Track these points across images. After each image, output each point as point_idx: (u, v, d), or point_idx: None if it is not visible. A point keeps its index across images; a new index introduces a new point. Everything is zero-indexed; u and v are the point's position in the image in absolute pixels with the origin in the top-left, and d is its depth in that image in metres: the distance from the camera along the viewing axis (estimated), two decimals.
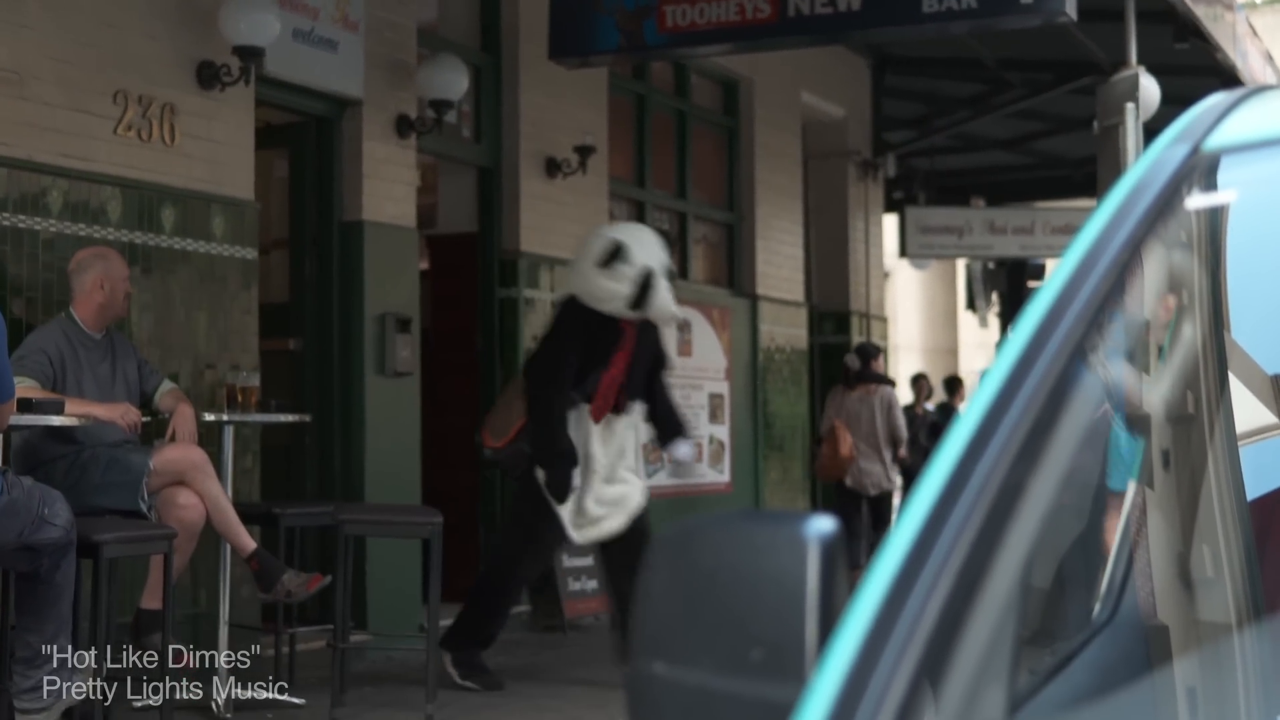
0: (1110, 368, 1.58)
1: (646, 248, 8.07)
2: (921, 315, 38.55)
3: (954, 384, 20.41)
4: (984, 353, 32.55)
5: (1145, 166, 1.56)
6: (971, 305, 23.15)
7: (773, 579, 1.40)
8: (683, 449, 8.86)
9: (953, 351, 38.21)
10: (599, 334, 8.21)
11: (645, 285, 7.97)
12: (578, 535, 8.29)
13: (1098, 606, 1.97)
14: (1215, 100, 1.79)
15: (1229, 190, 1.73)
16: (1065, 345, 1.38)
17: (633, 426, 8.57)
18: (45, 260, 7.69)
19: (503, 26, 11.36)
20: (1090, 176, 12.69)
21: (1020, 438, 1.37)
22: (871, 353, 13.34)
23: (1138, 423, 2.06)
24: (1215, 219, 1.76)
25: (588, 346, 8.18)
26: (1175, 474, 2.18)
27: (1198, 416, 2.18)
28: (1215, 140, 1.64)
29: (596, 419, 8.37)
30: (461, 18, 11.39)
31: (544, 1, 10.55)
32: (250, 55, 8.45)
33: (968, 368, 33.82)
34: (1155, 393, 2.11)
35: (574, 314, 8.23)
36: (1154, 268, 1.64)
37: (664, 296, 8.03)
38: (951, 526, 1.30)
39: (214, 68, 8.53)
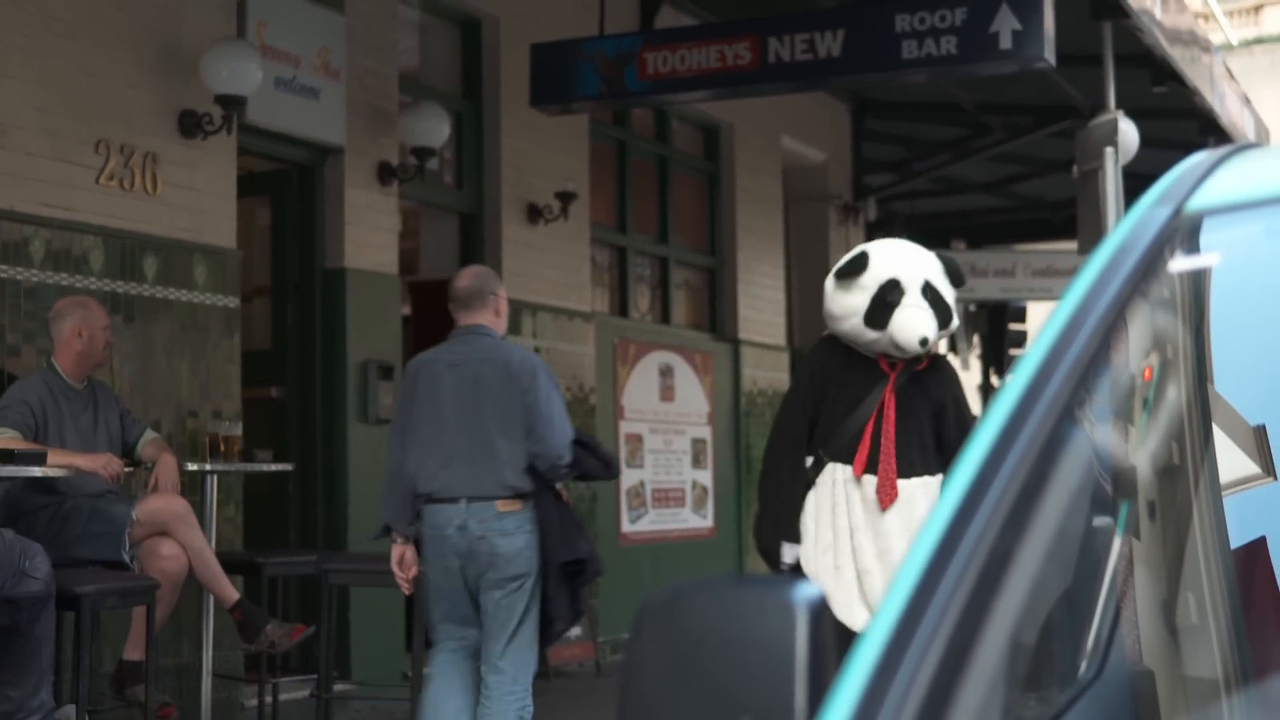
0: (1097, 429, 1.59)
1: (893, 257, 6.29)
2: None
3: None
4: (966, 394, 32.50)
5: (1128, 229, 1.57)
6: (953, 348, 23.16)
7: (761, 644, 1.40)
8: None
9: None
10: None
11: (884, 298, 6.11)
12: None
13: (1084, 663, 1.97)
14: (1196, 161, 1.80)
15: (1211, 253, 1.74)
16: (1051, 411, 1.39)
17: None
18: (27, 310, 7.68)
19: (484, 73, 11.38)
20: (1070, 219, 12.74)
21: (1010, 501, 1.37)
22: None
23: (1123, 477, 2.07)
24: (1198, 280, 1.77)
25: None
26: (1161, 524, 2.19)
27: (1183, 467, 2.19)
28: (1197, 202, 1.65)
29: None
30: (443, 65, 11.42)
31: (525, 48, 10.57)
32: (232, 104, 8.46)
33: None
34: (1140, 446, 2.11)
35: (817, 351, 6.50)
36: (1138, 330, 1.64)
37: (908, 314, 6.12)
38: (943, 592, 1.30)
39: (196, 116, 8.54)
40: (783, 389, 15.28)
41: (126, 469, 7.03)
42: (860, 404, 6.31)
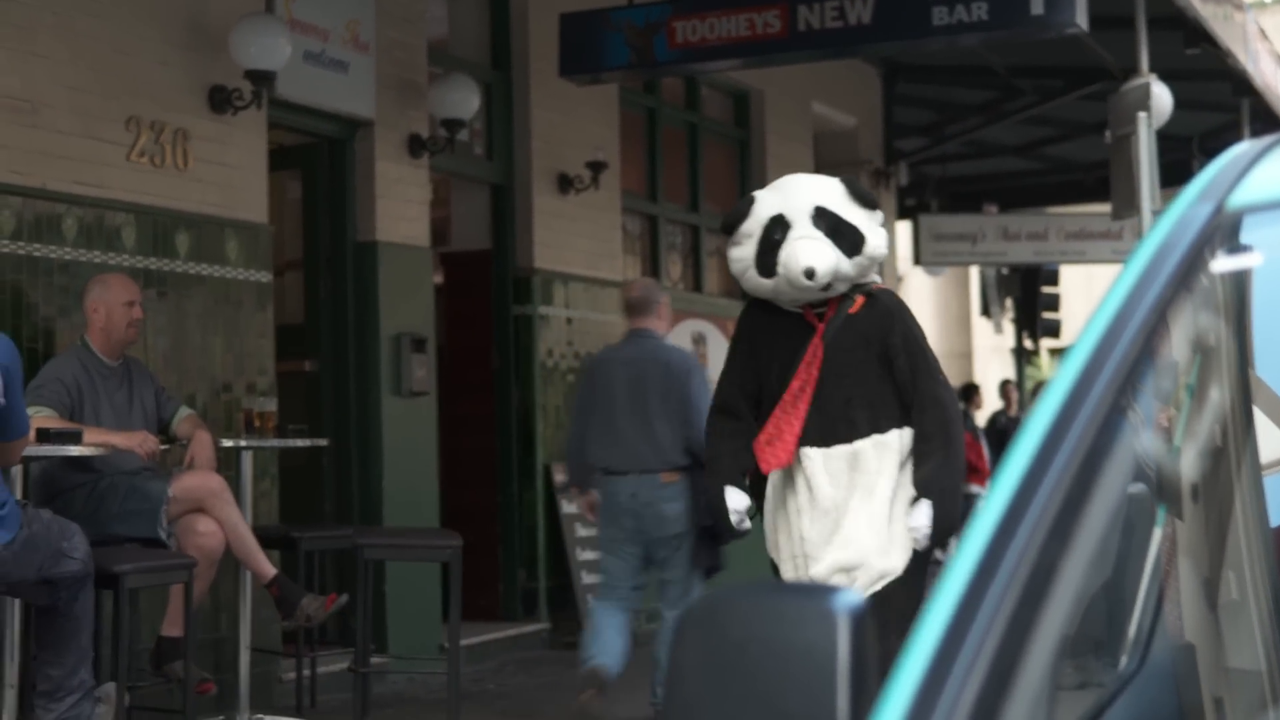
0: (1142, 421, 1.58)
1: (777, 193, 5.75)
2: (935, 320, 38.52)
3: (969, 391, 20.37)
4: (999, 358, 32.51)
5: (1169, 227, 1.56)
6: (986, 311, 23.12)
7: (803, 652, 1.39)
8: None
9: (967, 356, 38.17)
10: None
11: (770, 239, 5.64)
12: None
13: (1126, 656, 1.96)
14: (1237, 154, 1.78)
15: (1253, 250, 1.73)
16: (1097, 410, 1.38)
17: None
18: (60, 287, 7.70)
19: (513, 44, 11.37)
20: (1102, 181, 12.67)
21: (1059, 500, 1.36)
22: None
23: (1168, 464, 2.06)
24: (1240, 278, 1.75)
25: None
26: (1204, 505, 2.19)
27: (1225, 450, 2.19)
28: (1238, 198, 1.63)
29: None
30: (472, 35, 11.40)
31: (554, 18, 10.54)
32: (262, 79, 8.46)
33: (982, 373, 33.75)
34: (1184, 432, 2.11)
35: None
36: (1180, 328, 1.63)
37: (791, 249, 5.57)
38: (994, 591, 1.30)
39: (226, 92, 8.54)
40: None
41: (162, 446, 7.05)
42: (788, 366, 5.70)
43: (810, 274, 5.51)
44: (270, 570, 7.19)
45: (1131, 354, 1.42)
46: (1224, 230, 1.62)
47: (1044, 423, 1.41)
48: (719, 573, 8.24)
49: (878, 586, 5.63)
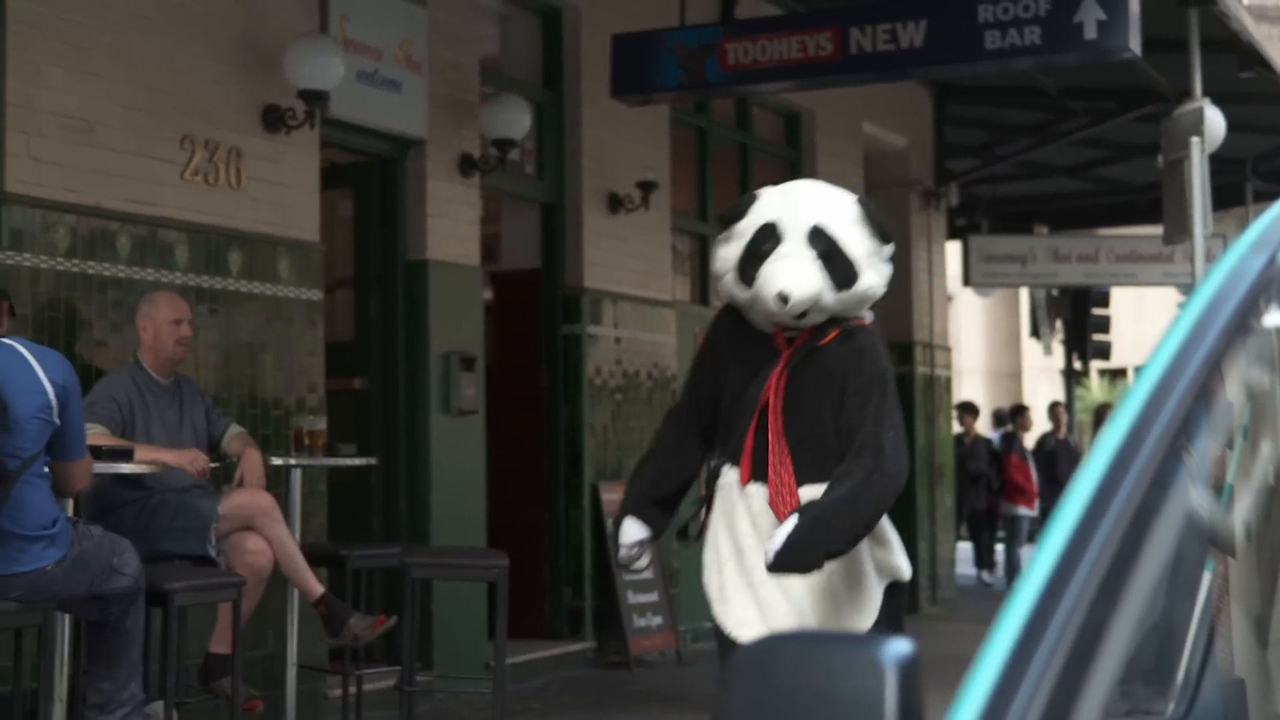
0: (1195, 478, 1.58)
1: (781, 198, 5.25)
2: (984, 339, 38.44)
3: (1017, 412, 20.30)
4: (1048, 379, 32.37)
5: (1222, 277, 1.56)
6: (1036, 333, 23.05)
7: (850, 702, 1.40)
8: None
9: (1016, 376, 38.06)
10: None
11: (757, 247, 5.15)
12: None
13: (1173, 701, 1.96)
14: None
15: None
16: (1151, 460, 1.38)
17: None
18: (114, 304, 7.76)
19: (564, 64, 11.40)
20: (1154, 203, 12.63)
21: (1109, 557, 1.36)
22: None
23: (1221, 507, 2.06)
24: None
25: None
26: (1256, 544, 2.19)
27: (1276, 492, 2.19)
28: None
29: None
30: (524, 55, 11.44)
31: (606, 39, 10.58)
32: (315, 98, 8.50)
33: (1031, 394, 33.64)
34: (1236, 475, 2.11)
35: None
36: (1233, 379, 1.63)
37: (773, 267, 5.07)
38: (1046, 642, 1.30)
39: (279, 111, 8.60)
40: None
41: (212, 464, 7.09)
42: (747, 391, 5.17)
43: (784, 299, 4.94)
44: (318, 588, 7.22)
45: (1186, 401, 1.42)
46: (1277, 283, 1.62)
47: (1099, 469, 1.41)
48: None
49: None
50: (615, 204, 11.56)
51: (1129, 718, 1.86)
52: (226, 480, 7.35)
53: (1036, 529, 17.11)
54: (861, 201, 5.20)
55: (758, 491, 5.13)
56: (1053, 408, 19.38)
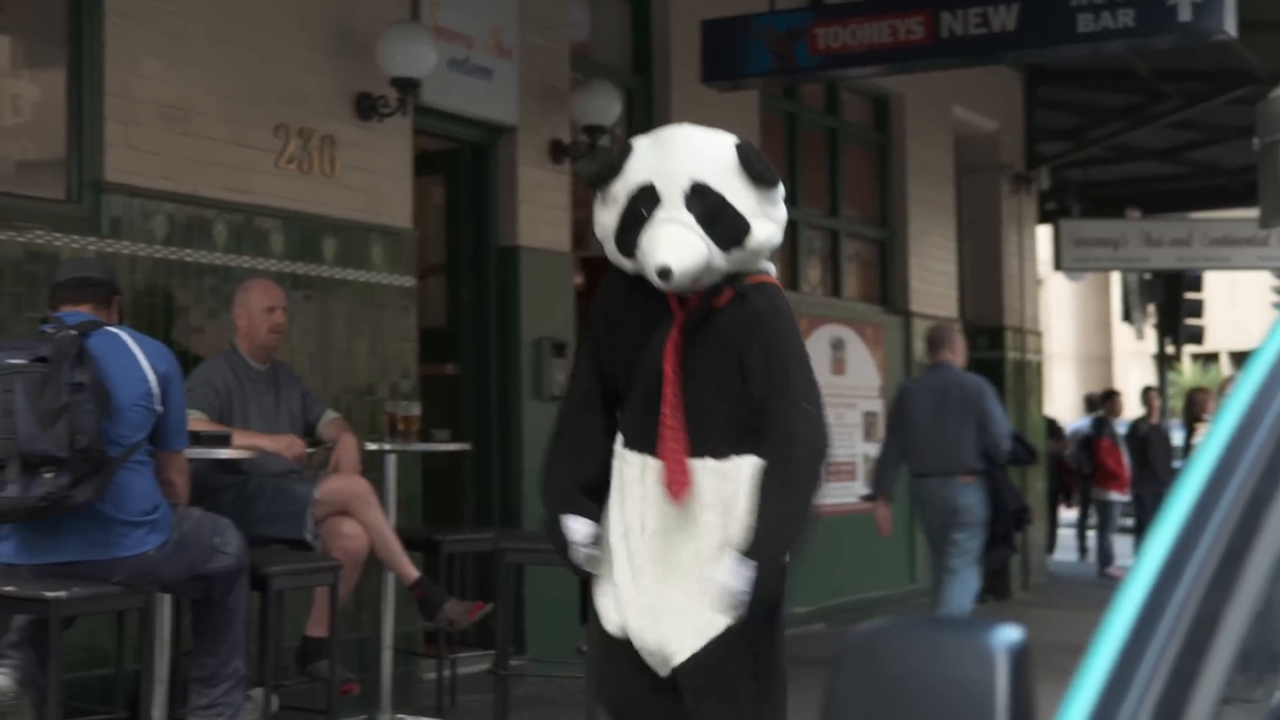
0: None
1: (654, 153, 4.67)
2: (1075, 323, 38.17)
3: (1108, 397, 20.16)
4: (1139, 363, 32.11)
5: None
6: (1128, 317, 22.87)
7: (961, 689, 1.41)
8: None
9: (1107, 361, 37.78)
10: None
11: (635, 211, 4.63)
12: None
13: (1276, 693, 1.96)
14: None
15: None
16: (1260, 460, 1.38)
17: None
18: (210, 291, 7.84)
19: (654, 50, 11.41)
20: (1249, 186, 12.55)
21: (1220, 550, 1.37)
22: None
23: None
24: None
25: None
26: None
27: None
28: None
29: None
30: (614, 42, 11.46)
31: (695, 25, 10.58)
32: (407, 86, 8.56)
33: (1123, 378, 33.39)
34: None
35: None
36: None
37: (652, 236, 4.55)
38: (1153, 649, 1.30)
39: (372, 99, 8.65)
40: None
41: (308, 449, 7.16)
42: (641, 357, 4.70)
43: (665, 274, 4.45)
44: (413, 573, 7.28)
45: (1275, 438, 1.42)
46: None
47: (1212, 457, 1.41)
48: (1015, 552, 10.76)
49: (695, 646, 4.58)
50: None
51: (1227, 705, 1.86)
52: (322, 465, 7.42)
53: (1146, 514, 16.97)
54: (739, 147, 4.60)
55: (652, 467, 4.65)
56: (1145, 392, 19.23)
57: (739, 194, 4.53)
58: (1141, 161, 19.06)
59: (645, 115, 11.34)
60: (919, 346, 14.30)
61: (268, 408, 7.22)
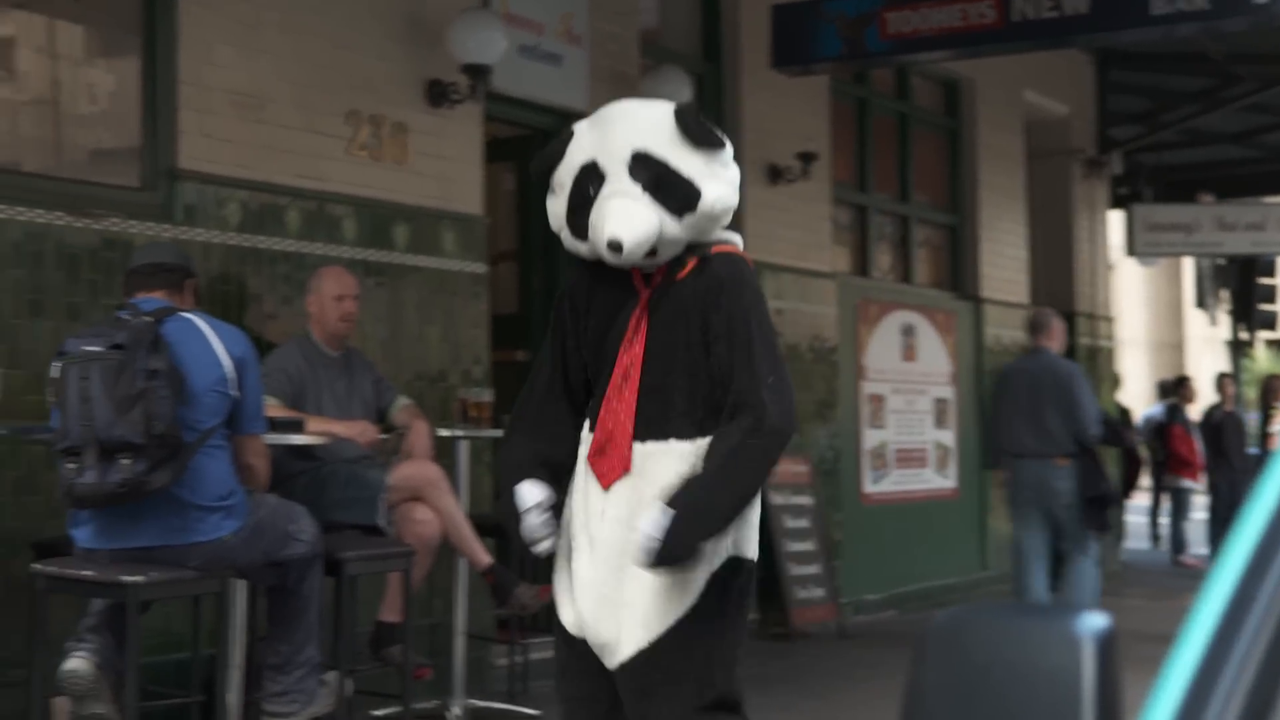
0: None
1: (593, 131, 4.53)
2: (1147, 309, 37.90)
3: (1180, 383, 20.01)
4: (1212, 349, 31.84)
5: None
6: (1201, 303, 22.69)
7: (1047, 677, 1.40)
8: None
9: (1179, 347, 37.51)
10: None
11: (583, 192, 4.45)
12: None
13: None
14: None
15: None
16: None
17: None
18: (283, 277, 7.89)
19: (724, 35, 11.39)
20: None
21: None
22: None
23: None
24: None
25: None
26: None
27: None
28: None
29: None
30: (683, 27, 11.45)
31: (765, 10, 10.56)
32: (478, 73, 8.58)
33: (1195, 364, 33.13)
34: None
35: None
36: None
37: (599, 213, 4.38)
38: (1242, 641, 1.29)
39: (443, 86, 8.68)
40: (1027, 348, 15.07)
41: (381, 435, 7.19)
42: (606, 341, 4.52)
43: (616, 247, 4.26)
44: (486, 558, 7.29)
45: None
46: None
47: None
48: (1107, 531, 11.01)
49: (643, 640, 4.30)
50: (775, 175, 11.54)
51: None
52: (395, 451, 7.45)
53: (1220, 502, 16.83)
54: (678, 111, 4.39)
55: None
56: (1220, 379, 19.07)
57: (684, 158, 4.33)
58: (1215, 145, 18.88)
59: (715, 101, 11.33)
60: (990, 332, 14.26)
61: (340, 394, 7.25)
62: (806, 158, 11.57)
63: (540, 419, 4.57)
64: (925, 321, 13.43)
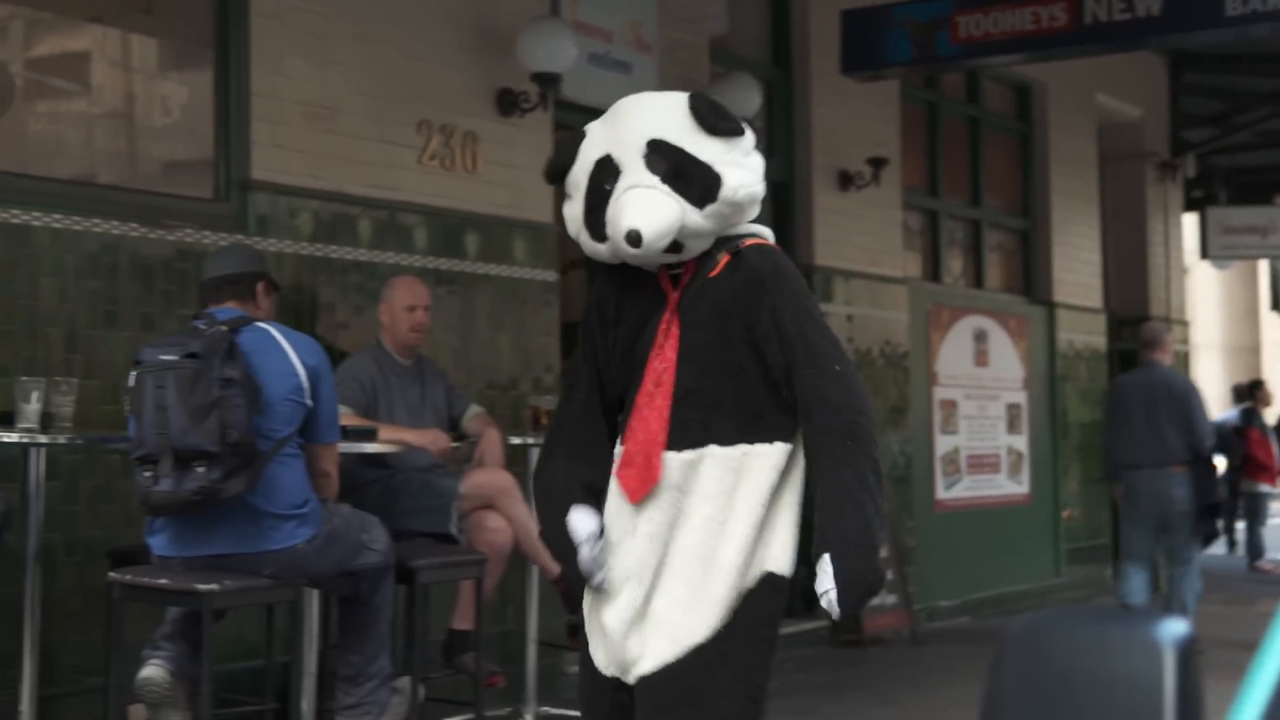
0: None
1: (605, 125, 4.26)
2: (1221, 313, 37.58)
3: (1255, 387, 19.83)
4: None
5: None
6: (1276, 306, 22.49)
7: (1128, 684, 1.39)
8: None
9: (1254, 350, 37.17)
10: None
11: (599, 189, 4.15)
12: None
13: None
14: None
15: None
16: None
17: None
18: (355, 287, 7.92)
19: (793, 41, 11.37)
20: None
21: None
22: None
23: None
24: None
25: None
26: None
27: None
28: None
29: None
30: (752, 34, 11.43)
31: (835, 15, 10.53)
32: (548, 81, 8.59)
33: (1271, 368, 32.83)
34: None
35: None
36: None
37: (615, 207, 4.06)
38: None
39: (513, 95, 8.69)
40: (1100, 352, 14.98)
41: (453, 443, 7.21)
42: (636, 348, 4.20)
43: (635, 239, 3.96)
44: (557, 566, 7.29)
45: None
46: None
47: None
48: (1215, 539, 11.34)
49: (667, 655, 3.99)
50: (846, 181, 11.51)
51: None
52: (467, 459, 7.47)
53: None
54: (692, 98, 4.16)
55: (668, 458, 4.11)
56: None
57: (701, 145, 4.06)
58: None
59: (785, 107, 11.31)
60: (1063, 337, 14.18)
61: (413, 402, 7.27)
62: (877, 163, 11.53)
63: (579, 441, 4.28)
64: (997, 327, 13.36)
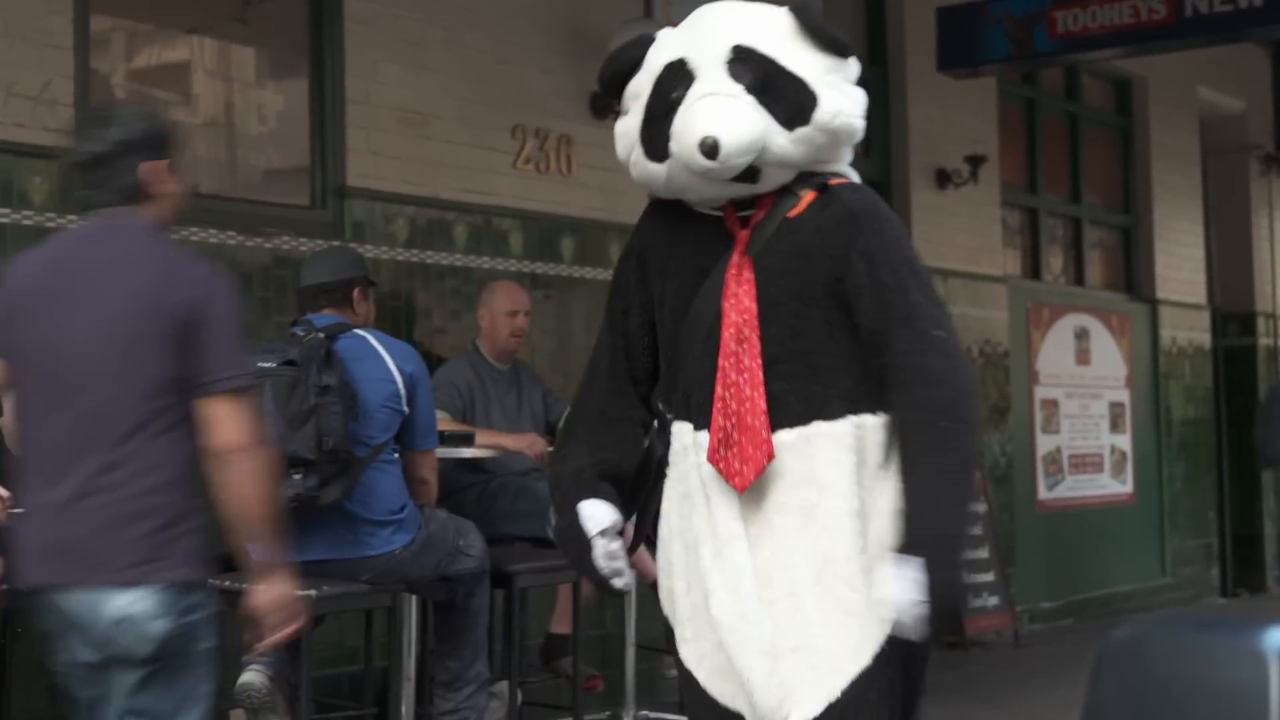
0: None
1: (685, 28, 3.57)
2: None
3: None
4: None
5: None
6: None
7: (1232, 694, 1.35)
8: None
9: None
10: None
11: (664, 98, 3.49)
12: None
13: None
14: None
15: None
16: None
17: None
18: (451, 292, 7.94)
19: (889, 39, 11.29)
20: None
21: None
22: None
23: None
24: None
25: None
26: None
27: None
28: None
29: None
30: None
31: (930, 13, 10.45)
32: None
33: None
34: None
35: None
36: None
37: (689, 112, 3.40)
38: None
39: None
40: (1204, 349, 14.78)
41: (549, 448, 7.20)
42: (694, 303, 3.49)
43: (710, 149, 3.28)
44: (654, 570, 7.25)
45: None
46: None
47: None
48: None
49: (831, 692, 3.34)
50: (943, 179, 11.42)
51: None
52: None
53: None
54: (798, 9, 3.46)
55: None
56: None
57: (800, 59, 3.40)
58: None
59: (881, 106, 11.23)
60: (1166, 334, 14.01)
61: (510, 407, 7.28)
62: (975, 161, 11.43)
63: (603, 419, 3.66)
64: (1099, 324, 13.21)
